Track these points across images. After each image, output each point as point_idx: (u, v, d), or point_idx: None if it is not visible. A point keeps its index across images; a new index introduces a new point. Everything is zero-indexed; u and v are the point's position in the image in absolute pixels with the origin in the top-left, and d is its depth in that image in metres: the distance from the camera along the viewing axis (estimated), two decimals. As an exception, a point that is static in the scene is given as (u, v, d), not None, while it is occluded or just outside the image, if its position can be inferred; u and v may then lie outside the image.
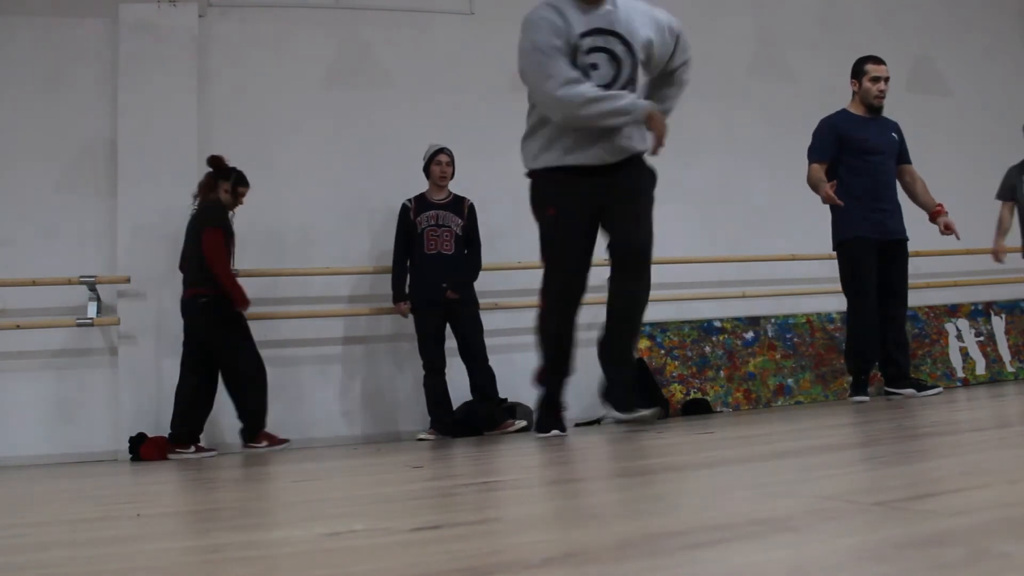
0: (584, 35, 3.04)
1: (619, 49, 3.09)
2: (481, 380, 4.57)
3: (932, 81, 6.39)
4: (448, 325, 4.65)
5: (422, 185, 4.83)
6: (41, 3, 4.92)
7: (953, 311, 5.86)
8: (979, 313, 5.90)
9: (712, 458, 1.72)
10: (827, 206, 4.21)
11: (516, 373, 4.54)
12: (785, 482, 1.18)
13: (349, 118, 5.25)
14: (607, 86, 3.07)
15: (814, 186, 4.16)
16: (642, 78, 3.29)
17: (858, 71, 4.33)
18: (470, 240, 4.75)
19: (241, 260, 4.65)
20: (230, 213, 4.38)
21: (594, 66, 3.06)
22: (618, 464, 1.89)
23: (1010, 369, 5.75)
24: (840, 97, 6.47)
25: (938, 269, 5.92)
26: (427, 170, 4.76)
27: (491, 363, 4.65)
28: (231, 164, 4.42)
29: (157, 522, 1.27)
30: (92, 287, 4.54)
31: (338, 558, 0.79)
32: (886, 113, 4.46)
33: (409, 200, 4.73)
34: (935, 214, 4.29)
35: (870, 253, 4.15)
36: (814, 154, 4.25)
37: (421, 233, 4.63)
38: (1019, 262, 6.18)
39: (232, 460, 3.72)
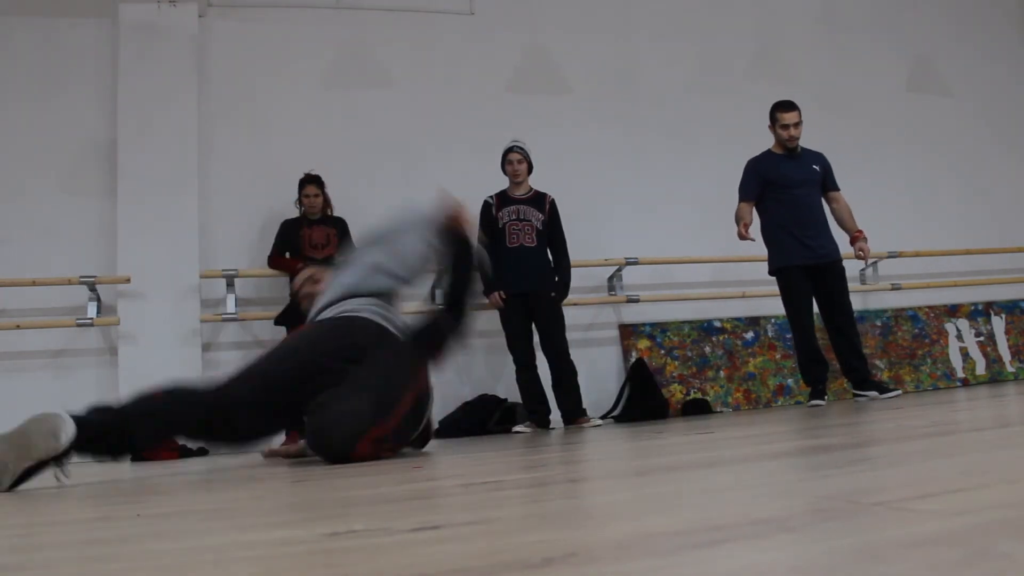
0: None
1: None
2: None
3: (932, 81, 6.39)
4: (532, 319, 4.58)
5: (422, 184, 4.82)
6: (41, 3, 4.93)
7: (953, 311, 5.86)
8: (979, 313, 5.90)
9: (712, 458, 1.72)
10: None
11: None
12: (785, 482, 1.18)
13: (349, 118, 5.25)
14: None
15: (737, 222, 4.52)
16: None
17: (772, 118, 4.62)
18: (553, 235, 4.67)
19: (243, 260, 4.65)
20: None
21: None
22: (618, 464, 1.89)
23: (1010, 369, 5.75)
24: (840, 96, 6.47)
25: (938, 269, 5.92)
26: (503, 168, 4.72)
27: (488, 363, 4.64)
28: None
29: (157, 522, 1.27)
30: (92, 287, 4.54)
31: (338, 558, 0.79)
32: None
33: (491, 196, 4.70)
34: (854, 239, 4.62)
35: (802, 278, 4.47)
36: (741, 193, 4.60)
37: (503, 228, 4.59)
38: (1019, 262, 6.18)
39: (232, 460, 3.71)
